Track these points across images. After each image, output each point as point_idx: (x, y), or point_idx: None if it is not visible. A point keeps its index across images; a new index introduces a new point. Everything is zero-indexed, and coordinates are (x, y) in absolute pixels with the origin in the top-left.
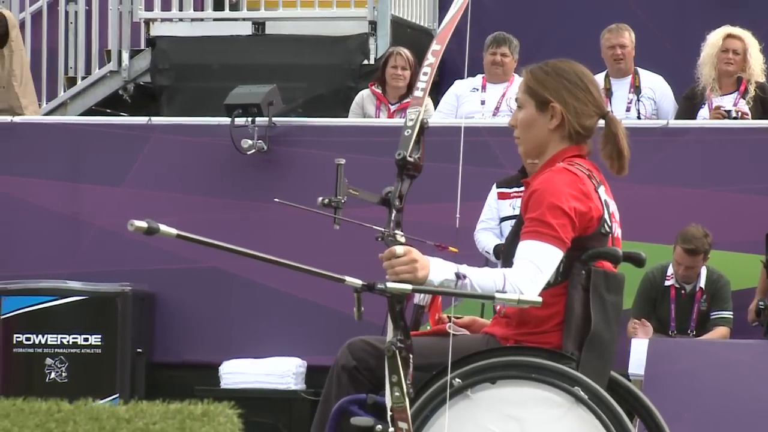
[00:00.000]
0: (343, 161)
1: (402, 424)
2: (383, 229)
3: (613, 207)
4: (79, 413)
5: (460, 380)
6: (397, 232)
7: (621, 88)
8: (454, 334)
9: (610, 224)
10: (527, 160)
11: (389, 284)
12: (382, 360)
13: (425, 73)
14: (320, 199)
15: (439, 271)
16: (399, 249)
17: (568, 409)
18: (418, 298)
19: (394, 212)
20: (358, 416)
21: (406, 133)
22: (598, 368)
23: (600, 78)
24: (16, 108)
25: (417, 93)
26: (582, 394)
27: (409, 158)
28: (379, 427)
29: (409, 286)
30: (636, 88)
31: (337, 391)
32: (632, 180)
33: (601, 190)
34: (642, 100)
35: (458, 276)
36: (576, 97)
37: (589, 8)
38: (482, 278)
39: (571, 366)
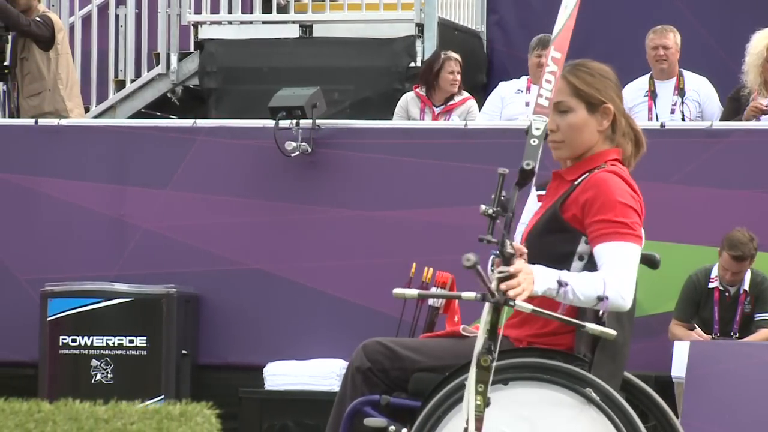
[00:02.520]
0: (506, 171)
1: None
2: (488, 237)
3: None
4: (59, 413)
5: None
6: (507, 240)
7: (665, 90)
8: (467, 336)
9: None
10: (567, 163)
11: (518, 302)
12: (396, 361)
13: (549, 81)
14: (483, 207)
15: (542, 280)
16: (512, 269)
17: (580, 411)
18: (433, 299)
19: (507, 221)
20: (372, 417)
21: (532, 143)
22: (611, 370)
23: (644, 80)
24: (61, 111)
25: (542, 101)
26: (594, 395)
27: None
28: (392, 428)
29: (530, 306)
30: (680, 90)
31: (352, 392)
32: (676, 182)
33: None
34: (686, 102)
35: (560, 284)
36: (620, 97)
37: (636, 9)
38: (583, 284)
39: (584, 368)
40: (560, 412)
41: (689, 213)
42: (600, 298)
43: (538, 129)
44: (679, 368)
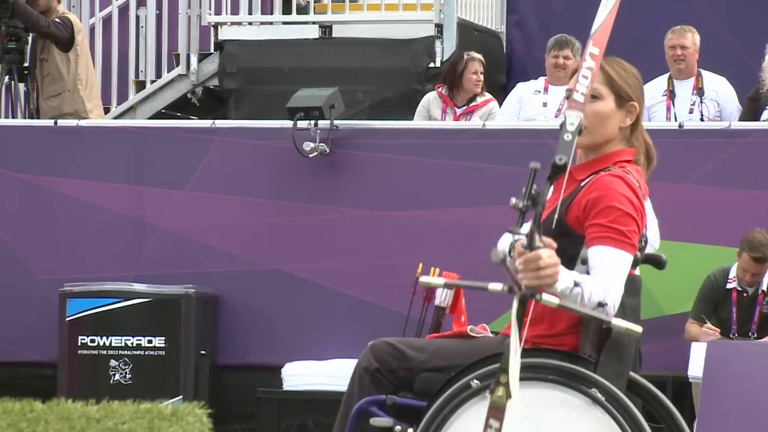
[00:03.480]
0: (538, 165)
1: (493, 422)
2: (517, 230)
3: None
4: (51, 413)
5: (478, 382)
6: (536, 234)
7: (684, 89)
8: (474, 337)
9: (645, 236)
10: (581, 158)
11: (545, 296)
12: (403, 362)
13: (585, 77)
14: (513, 201)
15: (564, 277)
16: (544, 252)
17: (585, 411)
18: (439, 299)
19: (537, 215)
20: (377, 417)
21: (566, 138)
22: (616, 370)
23: (663, 80)
24: (81, 112)
25: (577, 96)
26: (599, 395)
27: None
28: (398, 427)
29: (557, 300)
30: (699, 90)
31: (359, 392)
32: (695, 182)
33: (647, 203)
34: (705, 102)
35: (575, 284)
36: (644, 101)
37: (656, 9)
38: (592, 288)
39: (589, 368)
40: (565, 412)
41: (707, 213)
42: (601, 304)
43: (572, 124)
44: (696, 368)
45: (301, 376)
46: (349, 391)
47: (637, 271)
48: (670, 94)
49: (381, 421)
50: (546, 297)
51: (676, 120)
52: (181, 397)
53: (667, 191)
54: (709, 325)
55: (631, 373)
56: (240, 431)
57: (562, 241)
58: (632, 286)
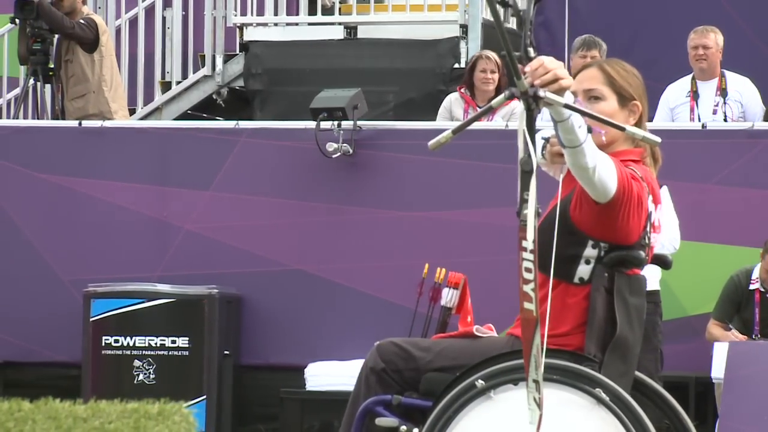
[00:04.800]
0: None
1: (525, 243)
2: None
3: (655, 216)
4: (39, 413)
5: (483, 381)
6: (531, 48)
7: (707, 90)
8: (480, 336)
9: (649, 235)
10: None
11: (548, 93)
12: (410, 362)
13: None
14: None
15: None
16: (546, 58)
17: (590, 411)
18: (446, 300)
19: (529, 32)
20: (383, 417)
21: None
22: (621, 370)
23: (687, 80)
24: (105, 113)
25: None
26: (603, 395)
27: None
28: (404, 427)
29: (563, 100)
30: (722, 91)
31: (366, 392)
32: (718, 182)
33: (650, 200)
34: (728, 103)
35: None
36: (647, 102)
37: (682, 10)
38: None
39: (594, 368)
40: (570, 412)
41: (730, 214)
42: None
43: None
44: (719, 369)
45: (324, 376)
46: (356, 392)
47: (642, 272)
48: (694, 95)
49: (386, 421)
50: (550, 95)
51: (699, 120)
52: (204, 397)
53: (691, 192)
54: (735, 332)
55: (637, 373)
56: (263, 431)
57: (564, 239)
58: (637, 286)
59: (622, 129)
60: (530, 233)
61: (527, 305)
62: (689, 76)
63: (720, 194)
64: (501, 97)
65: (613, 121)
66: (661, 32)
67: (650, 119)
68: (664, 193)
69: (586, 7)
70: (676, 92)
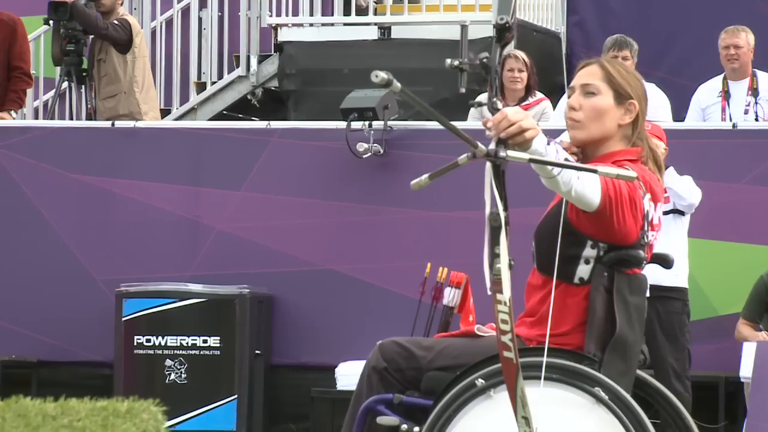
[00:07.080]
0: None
1: (500, 296)
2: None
3: (653, 215)
4: (9, 410)
5: (483, 380)
6: (496, 99)
7: (738, 90)
8: (482, 336)
9: (648, 234)
10: (576, 148)
11: (510, 152)
12: (411, 361)
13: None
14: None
15: (539, 138)
16: (509, 109)
17: (589, 410)
18: (448, 299)
19: (496, 80)
20: (384, 416)
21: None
22: (621, 369)
23: (718, 80)
24: (136, 114)
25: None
26: (602, 394)
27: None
28: (404, 426)
29: (527, 156)
30: (754, 91)
31: (368, 391)
32: (748, 182)
33: (647, 198)
34: (760, 103)
35: (548, 143)
36: (646, 104)
37: (715, 9)
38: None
39: (593, 367)
40: (569, 411)
41: (761, 213)
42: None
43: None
44: (747, 369)
45: (355, 375)
46: (358, 390)
47: (643, 271)
48: (725, 95)
49: (388, 419)
50: (512, 153)
51: (731, 120)
52: (236, 396)
53: (721, 191)
54: (765, 332)
55: (639, 372)
56: (294, 431)
57: (564, 240)
58: (636, 285)
59: (594, 171)
60: (506, 288)
61: (507, 354)
62: (720, 76)
63: (751, 194)
64: (464, 157)
65: (584, 166)
66: (694, 32)
67: (682, 119)
68: (669, 171)
69: (621, 6)
70: (708, 92)
